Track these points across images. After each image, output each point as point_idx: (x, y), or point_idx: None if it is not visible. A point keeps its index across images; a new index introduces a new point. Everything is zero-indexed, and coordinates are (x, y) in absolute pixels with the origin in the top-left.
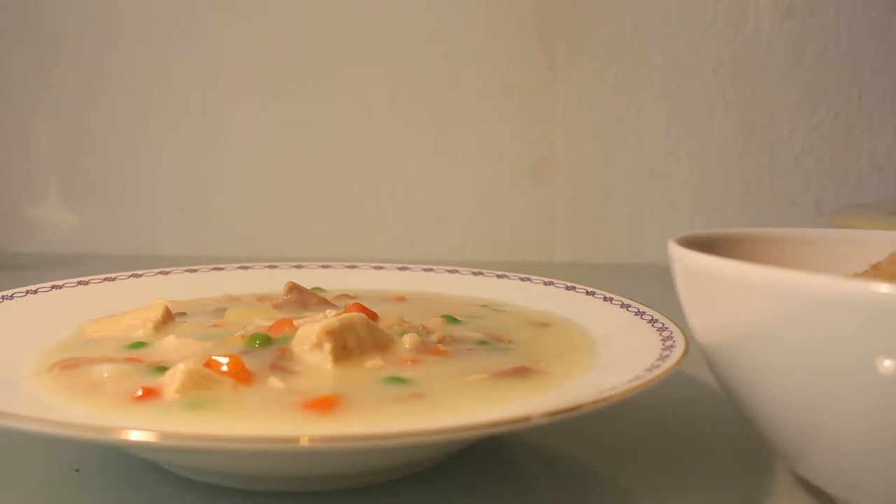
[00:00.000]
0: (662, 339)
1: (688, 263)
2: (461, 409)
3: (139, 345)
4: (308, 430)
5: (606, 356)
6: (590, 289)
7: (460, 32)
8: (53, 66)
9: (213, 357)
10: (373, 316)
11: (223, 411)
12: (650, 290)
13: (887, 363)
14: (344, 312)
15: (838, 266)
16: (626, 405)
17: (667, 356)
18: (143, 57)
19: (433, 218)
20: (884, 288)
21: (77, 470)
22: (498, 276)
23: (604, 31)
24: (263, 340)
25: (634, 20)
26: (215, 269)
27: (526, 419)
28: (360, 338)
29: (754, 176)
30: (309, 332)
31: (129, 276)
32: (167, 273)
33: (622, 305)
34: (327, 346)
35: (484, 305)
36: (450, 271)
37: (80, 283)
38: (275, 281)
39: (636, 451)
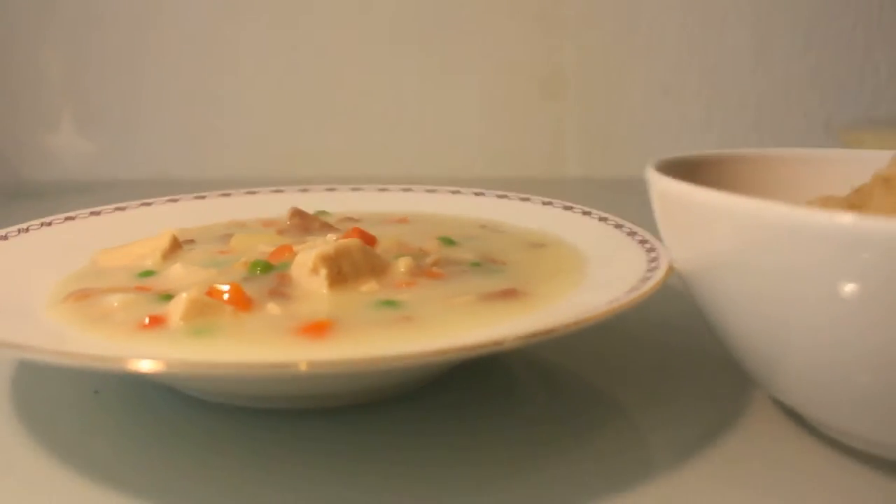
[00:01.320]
0: (649, 261)
1: (660, 189)
2: (448, 331)
3: (148, 273)
4: (302, 354)
5: (594, 276)
6: (586, 209)
7: None
8: None
9: (215, 286)
10: (371, 240)
11: (224, 337)
12: None
13: (848, 291)
14: (343, 237)
15: (827, 187)
16: (620, 319)
17: (649, 278)
18: None
19: (442, 135)
20: (846, 218)
21: (96, 392)
22: (498, 197)
23: None
24: (264, 267)
25: None
26: (223, 195)
27: (499, 343)
28: (355, 262)
29: (768, 89)
30: (306, 258)
31: (140, 205)
32: (176, 200)
33: (616, 225)
34: (323, 271)
35: (483, 226)
36: (452, 192)
37: (92, 213)
38: (281, 205)
39: (629, 366)
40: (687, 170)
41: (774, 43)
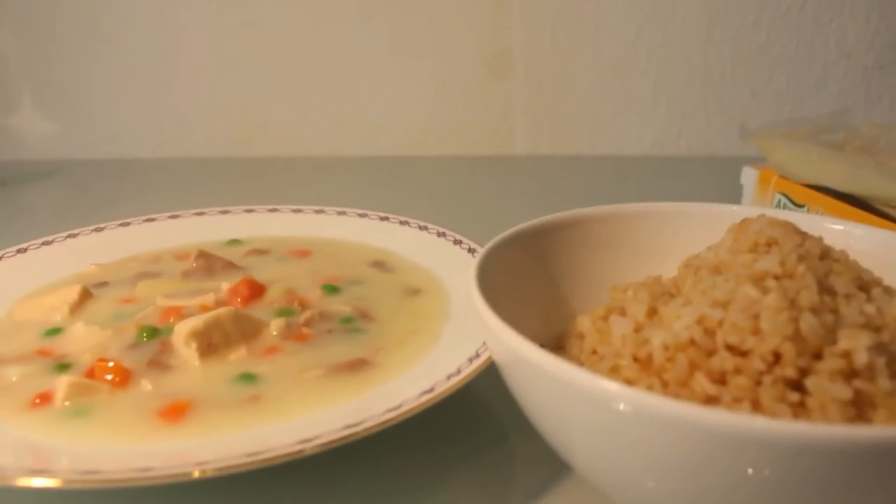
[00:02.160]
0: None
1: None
2: (291, 410)
3: (55, 331)
4: (155, 440)
5: (444, 341)
6: (473, 245)
7: None
8: None
9: (101, 360)
10: (259, 291)
11: (98, 418)
12: (606, 184)
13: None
14: (232, 287)
15: (684, 243)
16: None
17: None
18: None
19: (393, 113)
20: (612, 386)
21: None
22: (401, 223)
23: None
24: (150, 333)
25: None
26: (147, 220)
27: (299, 452)
28: (226, 332)
29: (716, 66)
30: (182, 329)
31: (66, 237)
32: (101, 230)
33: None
34: (193, 345)
35: (376, 262)
36: (360, 215)
37: (18, 251)
38: (202, 229)
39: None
40: (540, 236)
41: (724, 19)
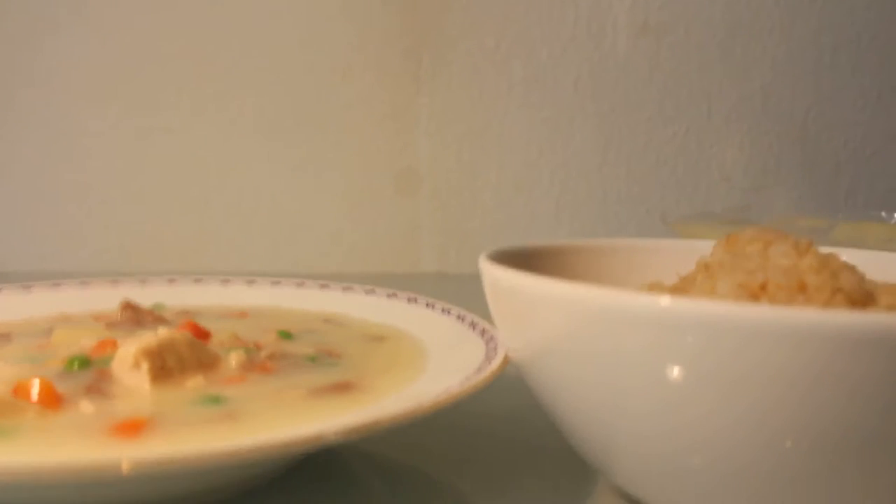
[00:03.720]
0: (487, 352)
1: (491, 278)
2: (273, 427)
3: None
4: (108, 455)
5: (431, 369)
6: (430, 301)
7: (325, 44)
8: None
9: (22, 382)
10: (204, 334)
11: (24, 438)
12: None
13: (672, 375)
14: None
15: (657, 276)
16: (463, 413)
17: (484, 369)
18: None
19: (299, 229)
20: (663, 301)
21: None
22: (344, 289)
23: (467, 44)
24: (82, 363)
25: (497, 35)
26: (53, 285)
27: (319, 438)
28: (181, 356)
29: (612, 185)
30: (127, 352)
31: None
32: None
33: (458, 317)
34: (144, 365)
35: (326, 320)
36: (297, 284)
37: None
38: (116, 297)
39: (472, 459)
40: (521, 260)
41: (618, 142)
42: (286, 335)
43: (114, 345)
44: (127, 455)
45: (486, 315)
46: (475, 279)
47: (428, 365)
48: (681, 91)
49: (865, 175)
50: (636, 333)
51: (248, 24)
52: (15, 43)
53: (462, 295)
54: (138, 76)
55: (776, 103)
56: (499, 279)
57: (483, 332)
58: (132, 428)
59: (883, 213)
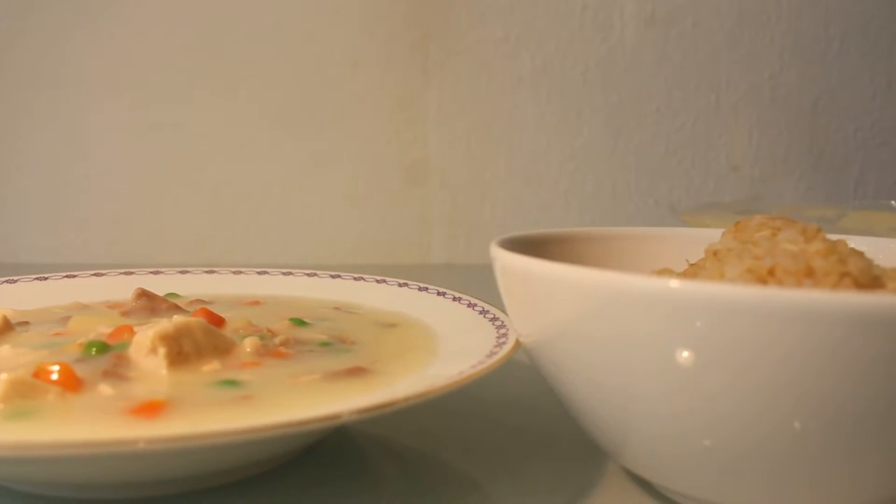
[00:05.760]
0: (498, 337)
1: (503, 263)
2: (289, 409)
3: None
4: (129, 434)
5: (443, 354)
6: (441, 290)
7: (333, 36)
8: None
9: (42, 365)
10: (219, 321)
11: (46, 419)
12: None
13: (682, 358)
14: (190, 316)
15: (666, 263)
16: (473, 399)
17: (495, 353)
18: (8, 59)
19: (309, 221)
20: (673, 284)
21: None
22: (355, 279)
23: (475, 36)
24: (100, 348)
25: (505, 26)
26: (67, 276)
27: (336, 416)
28: (197, 341)
29: (621, 177)
30: (144, 337)
31: None
32: (14, 281)
33: (469, 305)
34: (161, 350)
35: (337, 308)
36: (308, 274)
37: None
38: (129, 287)
39: (482, 444)
40: (532, 247)
41: (626, 134)
42: (299, 322)
43: (130, 331)
44: (146, 433)
45: (497, 304)
46: (484, 270)
47: (440, 350)
48: (689, 82)
49: (875, 164)
50: (647, 317)
51: (257, 17)
52: (28, 44)
53: (472, 285)
54: (148, 71)
55: (785, 93)
56: (511, 265)
57: (494, 319)
58: (151, 409)
59: (893, 202)
